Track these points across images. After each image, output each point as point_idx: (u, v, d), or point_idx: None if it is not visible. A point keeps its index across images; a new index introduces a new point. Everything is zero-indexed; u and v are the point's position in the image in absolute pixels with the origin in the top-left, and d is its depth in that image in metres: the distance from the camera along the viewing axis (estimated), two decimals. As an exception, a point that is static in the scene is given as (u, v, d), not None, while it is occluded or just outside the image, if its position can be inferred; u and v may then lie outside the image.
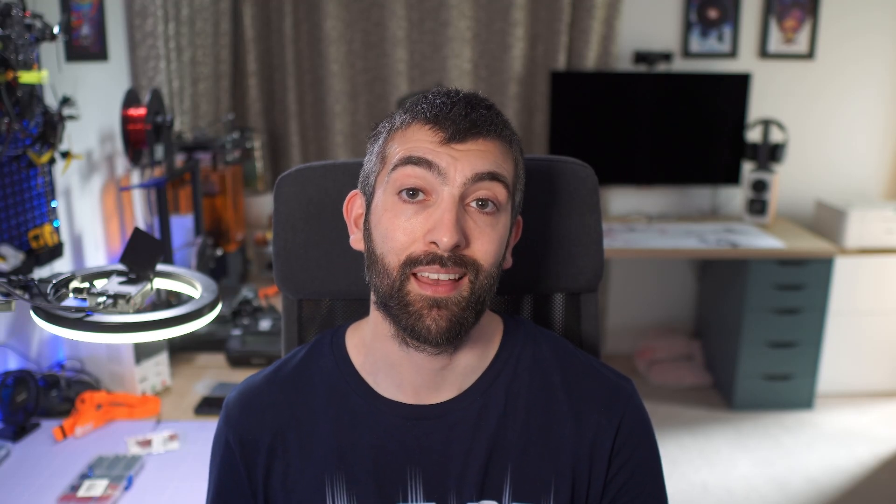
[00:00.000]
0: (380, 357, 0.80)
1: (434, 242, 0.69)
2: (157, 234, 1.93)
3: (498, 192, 0.72)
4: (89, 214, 1.98)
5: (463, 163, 0.71)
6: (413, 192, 0.71)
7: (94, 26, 2.02)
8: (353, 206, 0.81)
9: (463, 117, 0.71)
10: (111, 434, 1.50)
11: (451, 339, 0.72)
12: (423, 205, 0.71)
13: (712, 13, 3.22)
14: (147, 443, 1.45)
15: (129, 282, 1.23)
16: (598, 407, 0.80)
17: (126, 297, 1.17)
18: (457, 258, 0.70)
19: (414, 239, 0.71)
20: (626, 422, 0.80)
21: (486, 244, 0.72)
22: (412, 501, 0.78)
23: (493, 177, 0.72)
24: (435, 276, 0.70)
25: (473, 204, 0.72)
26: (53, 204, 1.72)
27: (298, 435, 0.80)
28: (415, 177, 0.71)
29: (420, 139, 0.72)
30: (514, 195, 0.77)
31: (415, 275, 0.71)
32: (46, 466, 1.37)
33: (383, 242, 0.73)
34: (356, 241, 0.79)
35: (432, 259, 0.70)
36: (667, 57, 3.14)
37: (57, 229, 1.73)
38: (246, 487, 0.81)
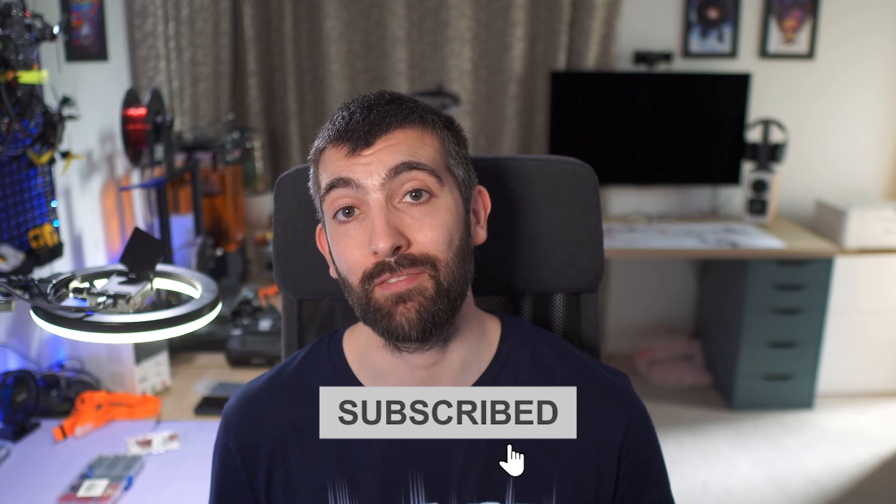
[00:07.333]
0: (374, 366, 0.80)
1: (375, 252, 0.70)
2: (157, 234, 1.93)
3: (421, 179, 0.72)
4: (89, 214, 1.98)
5: (374, 165, 0.71)
6: (348, 211, 0.72)
7: (94, 26, 2.02)
8: (323, 240, 0.81)
9: (361, 122, 0.72)
10: (111, 434, 1.50)
11: (427, 330, 0.71)
12: (359, 220, 0.72)
13: (712, 13, 3.22)
14: (147, 443, 1.45)
15: (129, 282, 1.23)
16: (603, 406, 0.80)
17: (126, 297, 1.17)
18: (405, 259, 0.70)
19: (363, 254, 0.71)
20: (633, 419, 0.80)
21: (429, 233, 0.71)
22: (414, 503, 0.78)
23: (409, 167, 0.71)
24: (393, 281, 0.71)
25: (407, 198, 0.72)
26: (53, 204, 1.72)
27: (298, 440, 0.80)
28: (342, 197, 0.72)
29: (333, 159, 0.73)
30: (452, 171, 0.75)
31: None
32: (46, 466, 1.37)
33: (341, 265, 0.74)
34: (333, 272, 0.80)
35: (382, 269, 0.70)
36: (667, 57, 3.14)
37: (57, 229, 1.73)
38: (247, 494, 0.82)
